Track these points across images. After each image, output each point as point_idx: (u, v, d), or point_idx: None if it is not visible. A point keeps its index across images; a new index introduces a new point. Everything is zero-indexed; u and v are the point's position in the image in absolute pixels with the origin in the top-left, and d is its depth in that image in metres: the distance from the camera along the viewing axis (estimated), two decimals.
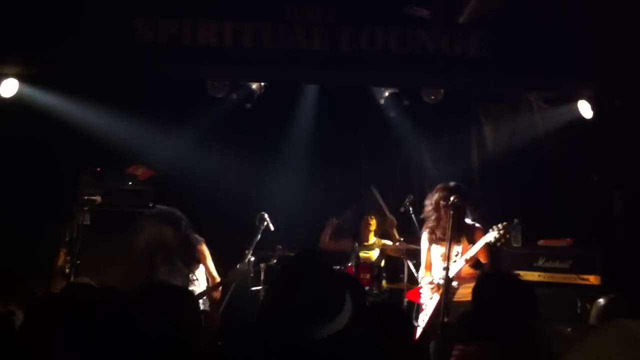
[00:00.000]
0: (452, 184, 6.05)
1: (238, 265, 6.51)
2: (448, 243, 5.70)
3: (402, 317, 3.77)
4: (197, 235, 6.25)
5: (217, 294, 6.32)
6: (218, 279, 6.26)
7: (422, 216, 6.31)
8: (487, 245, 5.76)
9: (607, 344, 1.55)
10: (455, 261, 5.84)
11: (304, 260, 2.54)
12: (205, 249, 6.25)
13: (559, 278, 6.66)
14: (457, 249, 5.89)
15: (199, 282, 6.19)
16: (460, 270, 5.79)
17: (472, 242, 5.91)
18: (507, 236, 5.69)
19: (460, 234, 5.91)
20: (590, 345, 1.59)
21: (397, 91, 7.91)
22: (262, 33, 6.33)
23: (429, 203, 6.12)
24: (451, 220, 5.72)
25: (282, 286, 2.42)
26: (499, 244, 5.71)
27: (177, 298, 3.17)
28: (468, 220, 6.02)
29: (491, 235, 5.68)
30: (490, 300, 3.26)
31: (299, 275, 2.39)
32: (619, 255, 6.66)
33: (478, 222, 6.07)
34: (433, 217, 6.07)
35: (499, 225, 5.70)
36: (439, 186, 6.11)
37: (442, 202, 5.94)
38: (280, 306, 2.33)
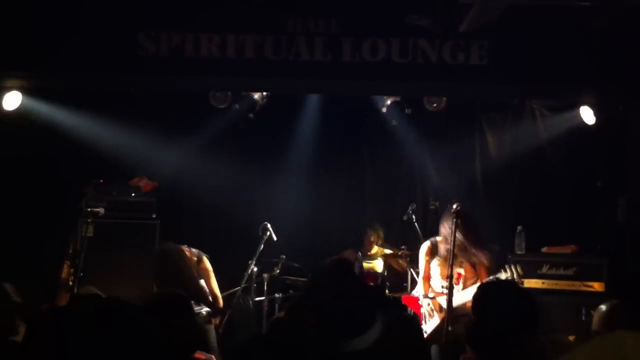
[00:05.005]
0: (458, 206, 5.93)
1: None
2: (452, 248, 5.66)
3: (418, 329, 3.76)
4: (200, 251, 6.21)
5: (216, 320, 6.27)
6: (220, 298, 6.22)
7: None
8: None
9: (597, 356, 1.55)
10: (460, 288, 5.78)
11: (338, 270, 2.50)
12: (208, 266, 6.19)
13: (563, 285, 6.65)
14: (459, 270, 5.84)
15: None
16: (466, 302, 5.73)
17: (473, 264, 5.87)
18: (518, 278, 5.62)
19: (464, 257, 5.85)
20: (581, 356, 1.60)
21: (399, 100, 7.92)
22: (264, 44, 6.35)
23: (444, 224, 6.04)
24: (453, 227, 5.69)
25: (313, 295, 2.39)
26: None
27: (184, 308, 3.19)
28: (473, 249, 5.92)
29: (505, 276, 5.61)
30: (490, 308, 3.26)
31: (331, 285, 2.36)
32: (623, 262, 6.65)
33: (483, 245, 6.00)
34: (442, 238, 6.01)
35: (512, 267, 5.61)
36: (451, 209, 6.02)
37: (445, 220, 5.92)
38: (309, 316, 2.30)
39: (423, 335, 3.66)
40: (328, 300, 2.31)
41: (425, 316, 6.02)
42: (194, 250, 6.15)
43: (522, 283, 5.75)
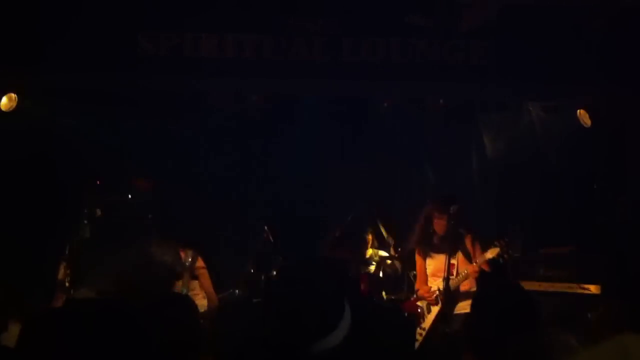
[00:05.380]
0: (446, 196, 6.07)
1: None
2: (448, 251, 5.71)
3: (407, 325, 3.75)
4: (193, 251, 6.20)
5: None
6: (214, 295, 6.23)
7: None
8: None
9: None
10: (453, 275, 5.86)
11: (303, 267, 2.41)
12: (202, 264, 6.21)
13: (560, 287, 6.63)
14: (452, 261, 5.90)
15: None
16: (459, 285, 5.81)
17: (465, 251, 5.93)
18: (509, 251, 5.69)
19: (453, 245, 5.91)
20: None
21: (398, 100, 7.91)
22: (263, 44, 6.34)
23: (419, 223, 6.13)
24: (451, 229, 5.74)
25: (277, 294, 2.31)
26: (501, 260, 5.73)
27: (182, 307, 3.18)
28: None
29: (494, 252, 5.69)
30: (489, 308, 3.26)
31: (296, 282, 2.28)
32: (621, 263, 6.64)
33: (467, 229, 6.09)
34: (419, 232, 6.09)
35: (501, 242, 5.70)
36: (431, 200, 6.14)
37: (435, 214, 5.96)
38: (274, 316, 2.24)
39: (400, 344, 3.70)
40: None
41: (423, 314, 6.05)
42: (188, 251, 6.16)
43: (511, 256, 5.84)
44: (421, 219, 6.13)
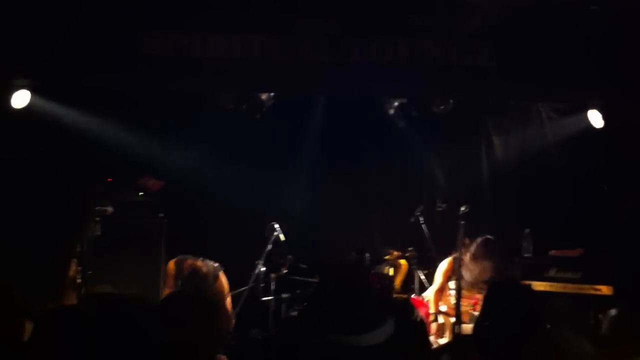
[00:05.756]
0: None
1: None
2: (459, 251, 5.70)
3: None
4: (215, 265, 6.23)
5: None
6: (232, 320, 6.33)
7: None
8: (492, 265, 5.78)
9: None
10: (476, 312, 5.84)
11: (351, 268, 2.51)
12: (224, 282, 6.27)
13: (571, 288, 6.59)
14: (478, 295, 5.91)
15: None
16: None
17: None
18: None
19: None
20: None
21: (405, 102, 7.91)
22: (271, 45, 6.35)
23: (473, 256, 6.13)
24: (462, 230, 5.74)
25: (325, 290, 2.40)
26: None
27: (193, 306, 3.19)
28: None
29: None
30: (493, 307, 3.25)
31: (345, 281, 2.38)
32: (631, 264, 6.61)
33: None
34: (473, 269, 6.09)
35: None
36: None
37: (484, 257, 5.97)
38: (321, 310, 2.31)
39: (429, 344, 3.73)
40: (333, 298, 2.34)
41: (442, 331, 6.05)
42: (209, 263, 6.18)
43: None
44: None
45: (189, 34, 6.33)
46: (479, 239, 6.20)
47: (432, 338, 6.04)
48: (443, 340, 5.94)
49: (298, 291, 7.52)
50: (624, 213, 7.13)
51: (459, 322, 5.64)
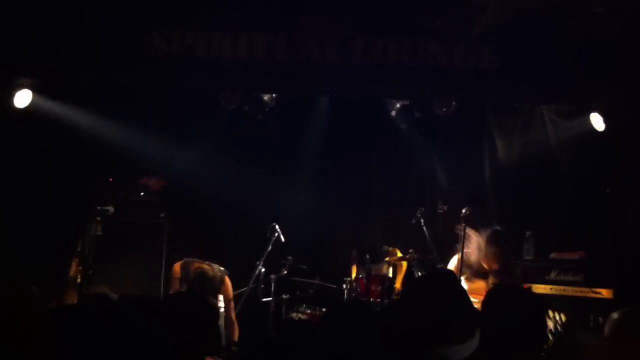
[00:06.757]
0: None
1: None
2: (461, 251, 5.70)
3: None
4: (222, 269, 6.28)
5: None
6: (236, 327, 6.35)
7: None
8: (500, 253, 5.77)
9: None
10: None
11: (442, 278, 2.43)
12: (229, 287, 6.32)
13: (571, 291, 6.60)
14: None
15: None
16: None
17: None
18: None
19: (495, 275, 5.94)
20: None
21: (408, 103, 7.90)
22: (275, 44, 6.35)
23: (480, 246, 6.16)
24: (463, 232, 5.75)
25: (417, 301, 2.30)
26: None
27: (196, 306, 3.19)
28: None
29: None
30: (494, 312, 3.24)
31: (436, 291, 2.30)
32: (632, 268, 6.60)
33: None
34: (475, 258, 6.11)
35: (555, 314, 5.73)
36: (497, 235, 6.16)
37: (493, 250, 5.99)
38: (412, 321, 2.22)
39: None
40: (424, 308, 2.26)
41: None
42: (215, 267, 6.19)
43: (564, 327, 5.83)
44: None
45: (193, 33, 6.32)
46: (489, 229, 6.21)
47: None
48: None
49: (298, 292, 7.52)
50: (626, 216, 7.12)
51: None
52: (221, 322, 6.06)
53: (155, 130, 7.49)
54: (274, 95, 7.76)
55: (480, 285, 5.98)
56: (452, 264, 6.31)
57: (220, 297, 6.35)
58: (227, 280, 6.31)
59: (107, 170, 7.18)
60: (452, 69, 6.50)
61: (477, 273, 6.05)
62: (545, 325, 3.14)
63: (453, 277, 2.51)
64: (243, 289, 7.05)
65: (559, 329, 5.60)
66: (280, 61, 6.36)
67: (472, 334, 2.18)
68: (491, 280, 6.00)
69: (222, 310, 6.24)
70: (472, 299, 5.74)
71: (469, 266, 6.16)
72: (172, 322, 2.75)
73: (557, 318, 5.70)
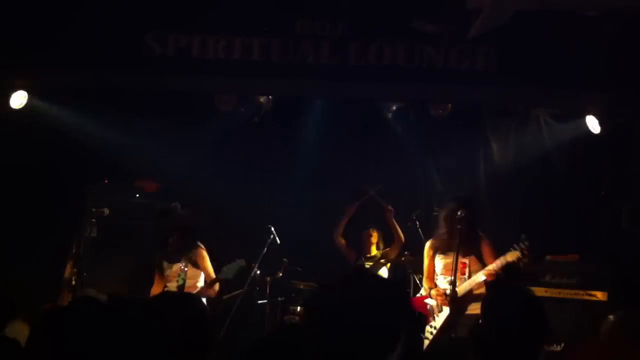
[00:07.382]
0: (462, 195, 6.07)
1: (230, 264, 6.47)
2: (455, 257, 5.71)
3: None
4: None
5: (212, 292, 6.48)
6: (212, 272, 6.48)
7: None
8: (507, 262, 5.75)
9: None
10: (466, 277, 5.84)
11: (359, 281, 2.24)
12: (205, 254, 6.46)
13: (566, 294, 6.60)
14: (463, 260, 5.90)
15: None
16: (472, 288, 5.79)
17: (478, 254, 5.92)
18: (530, 255, 5.65)
19: (468, 246, 5.90)
20: None
21: (404, 106, 7.91)
22: (270, 47, 6.35)
23: (442, 216, 6.14)
24: (458, 234, 5.74)
25: (330, 310, 2.08)
26: (521, 263, 5.69)
27: (187, 305, 3.18)
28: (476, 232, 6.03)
29: (514, 255, 5.66)
30: (495, 312, 3.23)
31: (365, 298, 2.09)
32: (627, 271, 6.62)
33: (483, 232, 6.08)
34: (443, 230, 6.09)
35: (521, 245, 5.67)
36: (450, 198, 6.15)
37: (452, 215, 5.96)
38: (326, 335, 2.05)
39: None
40: (339, 304, 2.09)
41: (432, 312, 6.04)
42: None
43: (530, 259, 5.79)
44: (448, 215, 6.08)
45: (189, 35, 6.31)
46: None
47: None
48: (442, 316, 5.92)
49: (293, 295, 7.52)
50: (620, 219, 7.14)
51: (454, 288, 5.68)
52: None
53: (151, 132, 7.47)
54: (269, 97, 7.77)
55: (449, 260, 5.98)
56: (425, 250, 6.33)
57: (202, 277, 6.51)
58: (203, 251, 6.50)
59: (102, 172, 7.16)
60: (448, 71, 6.50)
61: (449, 247, 6.03)
62: (545, 325, 3.14)
63: (374, 280, 2.33)
64: (238, 291, 7.04)
65: None
66: (276, 63, 6.35)
67: (390, 348, 2.02)
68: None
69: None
70: (445, 277, 5.82)
71: (442, 242, 6.15)
72: (163, 322, 2.74)
73: None
